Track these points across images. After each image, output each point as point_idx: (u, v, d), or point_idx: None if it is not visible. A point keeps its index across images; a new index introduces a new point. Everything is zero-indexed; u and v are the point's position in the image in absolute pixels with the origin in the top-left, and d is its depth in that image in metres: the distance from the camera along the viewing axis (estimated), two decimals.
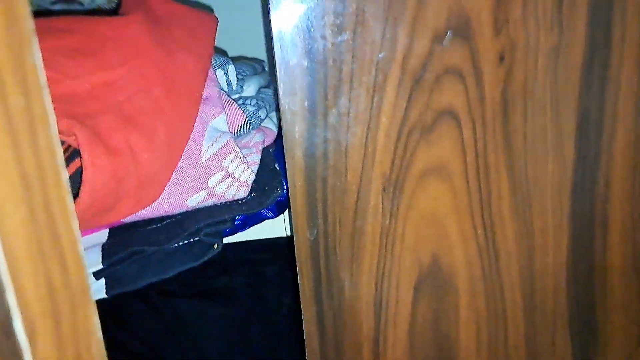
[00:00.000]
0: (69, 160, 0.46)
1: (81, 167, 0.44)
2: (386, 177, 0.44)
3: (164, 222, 0.56)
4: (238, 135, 0.64)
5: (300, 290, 0.47)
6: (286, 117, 0.42)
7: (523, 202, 0.45)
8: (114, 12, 0.61)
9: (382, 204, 0.45)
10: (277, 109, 0.45)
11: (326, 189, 0.44)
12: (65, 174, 0.26)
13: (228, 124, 0.62)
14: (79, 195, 0.44)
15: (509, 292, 0.48)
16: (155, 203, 0.52)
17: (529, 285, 0.48)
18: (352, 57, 0.41)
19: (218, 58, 0.66)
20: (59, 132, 0.44)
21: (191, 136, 0.53)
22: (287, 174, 0.44)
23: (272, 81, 0.70)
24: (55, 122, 0.27)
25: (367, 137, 0.43)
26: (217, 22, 0.62)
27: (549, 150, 0.44)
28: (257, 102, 0.63)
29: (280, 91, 0.42)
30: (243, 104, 0.68)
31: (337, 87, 0.42)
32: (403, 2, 0.40)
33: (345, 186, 0.44)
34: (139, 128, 0.48)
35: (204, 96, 0.56)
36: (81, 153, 0.44)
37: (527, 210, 0.46)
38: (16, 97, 0.25)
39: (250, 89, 0.65)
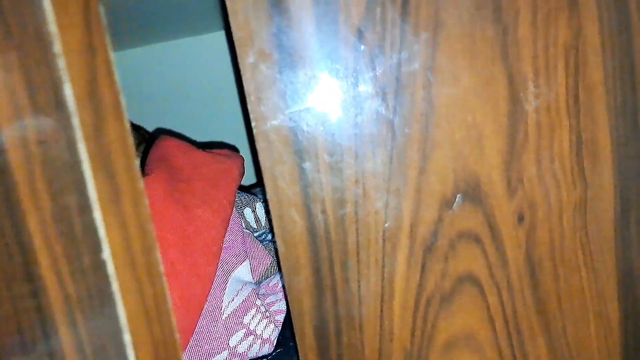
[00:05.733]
0: None
1: None
2: (407, 351, 0.40)
3: None
4: (265, 277, 0.62)
5: None
6: (292, 295, 0.40)
7: None
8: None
9: None
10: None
11: None
12: None
13: (252, 270, 0.60)
14: None
15: None
16: None
17: None
18: (357, 229, 0.39)
19: (245, 197, 0.66)
20: None
21: (211, 292, 0.51)
22: (299, 354, 0.41)
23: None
24: None
25: (381, 310, 0.40)
26: (243, 162, 0.62)
27: (588, 310, 0.39)
28: None
29: (284, 269, 0.40)
30: (271, 241, 0.66)
31: (343, 262, 0.39)
32: (404, 172, 0.38)
33: None
34: None
35: (225, 245, 0.55)
36: None
37: None
38: None
39: None
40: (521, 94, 0.37)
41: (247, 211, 0.66)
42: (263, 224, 0.68)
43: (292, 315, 0.41)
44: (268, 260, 0.61)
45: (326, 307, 0.40)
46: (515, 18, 0.36)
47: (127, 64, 0.86)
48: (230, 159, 0.60)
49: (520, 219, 0.38)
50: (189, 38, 0.86)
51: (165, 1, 0.57)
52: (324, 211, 0.39)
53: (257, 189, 0.77)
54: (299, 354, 0.41)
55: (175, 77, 0.88)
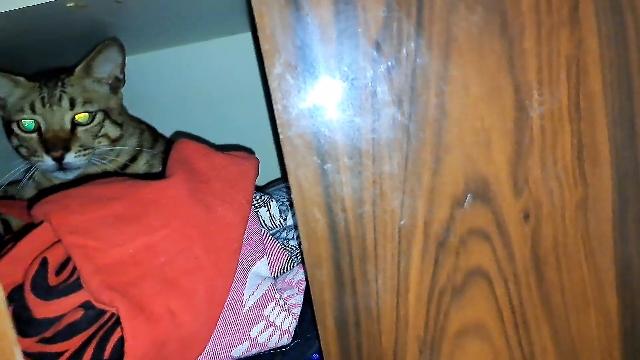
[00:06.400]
0: (112, 330, 0.48)
1: (122, 336, 0.46)
2: (421, 339, 0.43)
3: None
4: (282, 272, 0.65)
5: None
6: (314, 288, 0.43)
7: (569, 355, 0.43)
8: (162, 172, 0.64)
9: None
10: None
11: (361, 355, 0.44)
12: None
13: (269, 266, 0.63)
14: None
15: None
16: (201, 357, 0.52)
17: None
18: (374, 226, 0.42)
19: (260, 197, 0.68)
20: (102, 304, 0.47)
21: (232, 286, 0.54)
22: (321, 342, 0.44)
23: None
24: None
25: (397, 302, 0.43)
26: (258, 163, 0.64)
27: (590, 302, 0.42)
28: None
29: (307, 263, 0.43)
30: (285, 238, 0.69)
31: (362, 257, 0.42)
32: (418, 174, 0.41)
33: (381, 351, 0.44)
34: (180, 290, 0.49)
35: (244, 242, 0.58)
36: (122, 325, 0.45)
37: None
38: None
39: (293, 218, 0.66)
40: (526, 102, 0.40)
41: (263, 210, 0.69)
42: (277, 223, 0.70)
43: (314, 307, 0.44)
44: (284, 256, 0.64)
45: (346, 299, 0.43)
46: (521, 32, 0.40)
47: (153, 66, 0.88)
48: (247, 161, 0.62)
49: (526, 217, 0.41)
50: (216, 39, 0.88)
51: (192, 4, 0.60)
52: (344, 210, 0.42)
53: (275, 185, 0.80)
54: (321, 343, 0.44)
55: (201, 78, 0.90)
